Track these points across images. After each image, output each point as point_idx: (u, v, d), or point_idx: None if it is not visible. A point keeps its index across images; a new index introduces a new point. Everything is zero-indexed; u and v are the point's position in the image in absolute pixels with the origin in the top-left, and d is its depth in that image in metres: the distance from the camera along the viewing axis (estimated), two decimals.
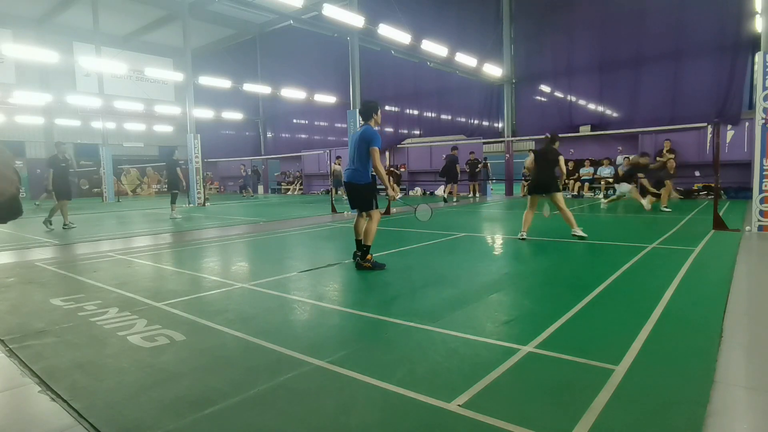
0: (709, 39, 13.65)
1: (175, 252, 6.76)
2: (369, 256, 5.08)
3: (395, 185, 4.82)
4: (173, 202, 12.04)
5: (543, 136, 7.07)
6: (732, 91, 13.40)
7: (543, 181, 6.83)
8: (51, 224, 9.85)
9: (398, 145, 21.23)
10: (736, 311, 3.34)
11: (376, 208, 5.15)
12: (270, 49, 25.44)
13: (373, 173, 5.13)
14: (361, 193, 5.12)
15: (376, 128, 5.14)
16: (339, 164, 17.52)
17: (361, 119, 5.21)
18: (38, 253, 6.74)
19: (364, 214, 5.20)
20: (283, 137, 26.74)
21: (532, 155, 6.94)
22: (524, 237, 6.86)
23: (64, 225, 9.66)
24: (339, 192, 16.79)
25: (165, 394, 2.27)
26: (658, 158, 12.47)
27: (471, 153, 18.24)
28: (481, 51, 16.77)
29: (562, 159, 6.87)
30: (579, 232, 6.78)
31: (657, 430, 1.88)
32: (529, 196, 7.15)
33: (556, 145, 7.03)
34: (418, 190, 20.96)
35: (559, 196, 6.80)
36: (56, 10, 22.23)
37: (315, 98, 20.50)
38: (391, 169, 14.05)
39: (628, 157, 15.13)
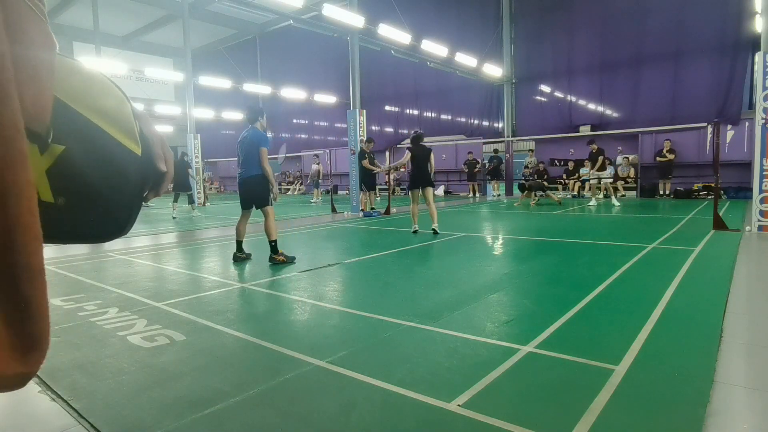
0: (709, 39, 13.65)
1: (175, 252, 6.76)
2: (279, 251, 5.48)
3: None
4: (176, 199, 12.32)
5: (416, 135, 7.66)
6: (732, 91, 13.40)
7: (419, 177, 7.59)
8: None
9: (398, 145, 21.23)
10: (736, 311, 3.34)
11: (271, 204, 5.60)
12: (270, 49, 25.43)
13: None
14: (256, 191, 5.54)
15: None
16: (319, 164, 17.82)
17: (248, 123, 5.66)
18: None
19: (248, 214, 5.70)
20: (283, 137, 26.72)
21: (408, 153, 7.61)
22: (416, 230, 7.68)
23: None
24: (315, 192, 17.54)
25: (165, 394, 2.27)
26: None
27: (469, 153, 18.26)
28: (481, 51, 16.77)
29: (432, 156, 7.60)
30: (435, 227, 7.46)
31: (657, 430, 1.88)
32: (410, 192, 7.84)
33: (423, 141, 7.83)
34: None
35: (431, 191, 7.63)
36: (56, 10, 22.23)
37: (315, 98, 20.49)
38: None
39: (627, 157, 15.17)
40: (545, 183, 13.92)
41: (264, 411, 2.10)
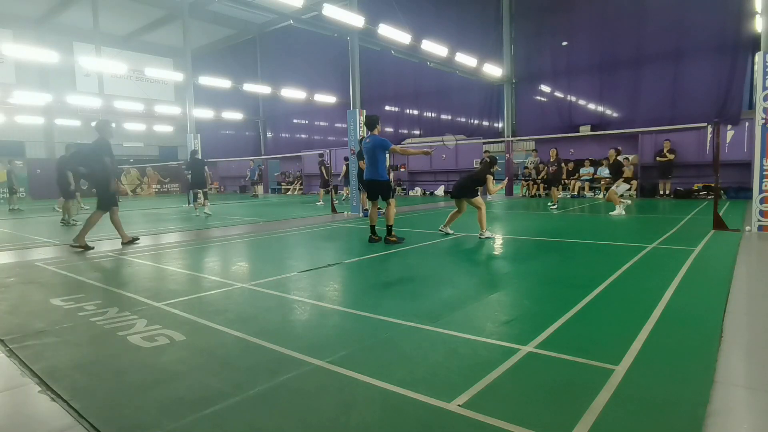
0: (709, 39, 13.65)
1: (175, 252, 6.76)
2: (393, 233, 6.72)
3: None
4: (196, 198, 12.48)
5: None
6: (732, 91, 13.40)
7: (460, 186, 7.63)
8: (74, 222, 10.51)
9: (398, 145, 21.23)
10: (736, 311, 3.34)
11: (393, 197, 6.76)
12: (270, 49, 25.42)
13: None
14: (382, 187, 6.83)
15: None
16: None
17: (368, 130, 6.81)
18: (38, 253, 6.74)
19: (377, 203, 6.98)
20: (283, 137, 26.73)
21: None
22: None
23: (71, 220, 10.42)
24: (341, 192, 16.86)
25: (165, 394, 2.27)
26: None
27: (485, 151, 18.14)
28: (481, 51, 16.76)
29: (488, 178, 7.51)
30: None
31: (657, 430, 1.88)
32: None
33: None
34: (418, 190, 20.95)
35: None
36: (56, 10, 22.23)
37: (315, 98, 20.49)
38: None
39: (627, 158, 15.17)
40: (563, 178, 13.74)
41: (264, 411, 2.10)
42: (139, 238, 7.61)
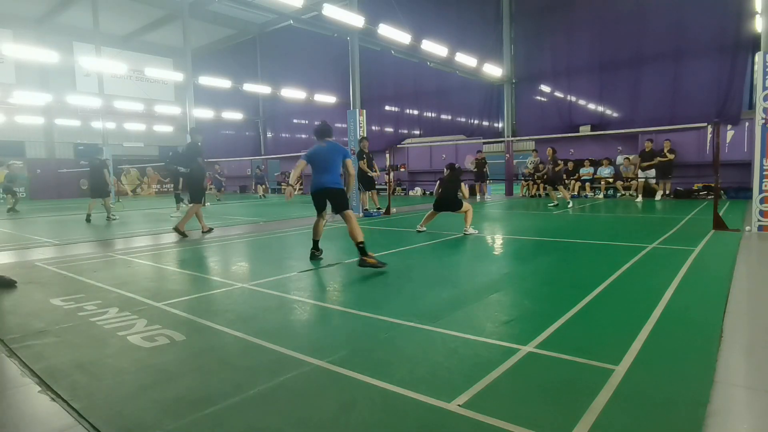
0: (709, 39, 13.64)
1: (175, 252, 6.76)
2: (369, 253, 5.12)
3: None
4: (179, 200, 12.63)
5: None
6: (732, 91, 13.39)
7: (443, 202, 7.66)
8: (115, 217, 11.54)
9: (398, 145, 21.23)
10: (736, 311, 3.34)
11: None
12: (270, 49, 25.43)
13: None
14: (340, 195, 5.65)
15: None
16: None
17: (324, 137, 5.74)
18: (38, 253, 6.74)
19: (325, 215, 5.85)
20: (283, 137, 26.72)
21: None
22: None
23: (111, 215, 11.41)
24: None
25: (165, 394, 2.27)
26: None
27: (478, 152, 18.10)
28: (481, 51, 16.76)
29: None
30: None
31: (657, 430, 1.88)
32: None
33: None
34: (418, 190, 20.95)
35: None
36: (56, 10, 22.23)
37: (315, 98, 20.49)
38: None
39: (628, 158, 15.18)
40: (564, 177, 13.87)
41: (264, 411, 2.10)
42: (213, 229, 8.72)
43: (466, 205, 7.66)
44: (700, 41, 13.83)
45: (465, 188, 7.90)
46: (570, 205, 12.36)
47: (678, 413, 1.99)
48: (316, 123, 5.97)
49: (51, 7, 22.08)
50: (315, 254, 5.87)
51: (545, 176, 13.82)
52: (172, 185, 12.48)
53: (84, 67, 22.75)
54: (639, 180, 13.96)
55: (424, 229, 7.93)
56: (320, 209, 5.77)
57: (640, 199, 13.50)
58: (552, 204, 12.70)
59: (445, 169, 8.03)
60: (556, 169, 12.76)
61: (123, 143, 27.49)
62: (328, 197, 5.67)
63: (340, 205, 5.60)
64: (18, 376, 2.55)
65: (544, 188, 16.00)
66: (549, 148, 12.80)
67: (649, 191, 14.41)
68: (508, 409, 2.04)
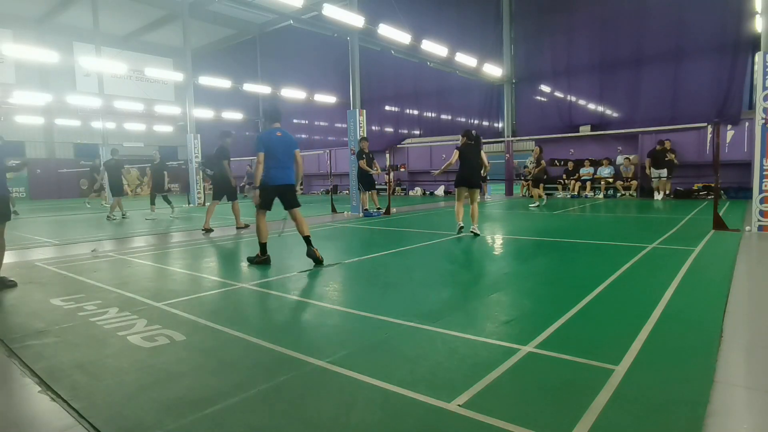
0: (709, 39, 13.64)
1: (175, 252, 6.76)
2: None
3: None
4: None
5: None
6: (732, 91, 13.39)
7: (470, 175, 7.35)
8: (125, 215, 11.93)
9: (398, 145, 21.24)
10: (736, 311, 3.34)
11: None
12: (270, 49, 25.42)
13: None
14: (293, 191, 5.53)
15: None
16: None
17: (277, 123, 5.40)
18: (38, 253, 6.74)
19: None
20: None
21: (456, 153, 7.32)
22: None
23: (123, 213, 11.87)
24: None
25: (165, 394, 2.27)
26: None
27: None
28: (481, 51, 16.76)
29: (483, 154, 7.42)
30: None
31: (657, 430, 1.88)
32: (457, 189, 7.59)
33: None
34: (418, 190, 20.95)
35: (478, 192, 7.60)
36: (56, 10, 22.23)
37: (315, 98, 20.48)
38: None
39: (628, 158, 15.18)
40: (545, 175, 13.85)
41: (264, 411, 2.10)
42: (248, 225, 8.97)
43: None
44: (700, 41, 13.83)
45: (486, 158, 7.47)
46: (536, 204, 12.45)
47: (678, 413, 1.99)
48: (266, 104, 5.66)
49: (51, 7, 22.07)
50: (263, 260, 5.42)
51: (530, 174, 13.88)
52: (150, 186, 12.64)
53: (84, 67, 22.72)
54: (653, 179, 14.08)
55: (463, 224, 7.39)
56: (270, 205, 5.46)
57: (660, 196, 13.76)
58: (533, 205, 12.67)
59: (461, 137, 7.41)
60: (536, 169, 12.80)
61: (123, 143, 27.46)
62: (287, 192, 5.43)
63: (296, 201, 5.48)
64: (18, 376, 2.55)
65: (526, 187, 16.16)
66: (536, 147, 12.83)
67: (649, 191, 14.42)
68: (508, 409, 2.04)
